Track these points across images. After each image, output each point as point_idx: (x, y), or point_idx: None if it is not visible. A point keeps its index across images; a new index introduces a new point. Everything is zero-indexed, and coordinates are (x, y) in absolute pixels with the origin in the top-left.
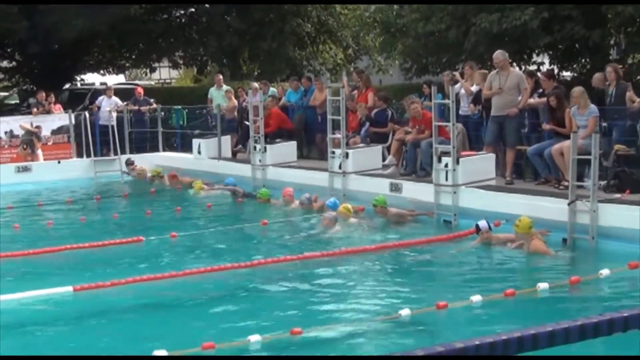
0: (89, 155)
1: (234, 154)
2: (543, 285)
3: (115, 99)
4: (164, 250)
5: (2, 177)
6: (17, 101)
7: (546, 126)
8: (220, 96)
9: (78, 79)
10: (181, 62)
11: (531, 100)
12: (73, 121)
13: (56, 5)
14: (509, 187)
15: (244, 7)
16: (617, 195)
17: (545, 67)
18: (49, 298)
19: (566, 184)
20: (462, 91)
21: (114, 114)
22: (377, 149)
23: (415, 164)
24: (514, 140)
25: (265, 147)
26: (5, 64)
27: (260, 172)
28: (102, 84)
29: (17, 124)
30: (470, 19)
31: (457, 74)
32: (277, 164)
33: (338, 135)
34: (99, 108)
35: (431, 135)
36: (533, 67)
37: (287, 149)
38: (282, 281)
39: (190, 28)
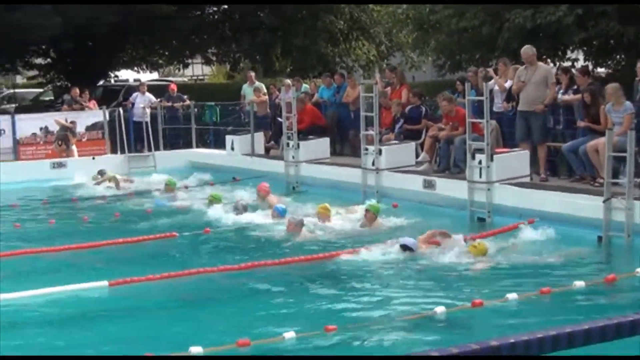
0: (122, 152)
1: (267, 150)
2: (579, 284)
3: (149, 95)
4: (198, 245)
5: (37, 173)
6: (52, 98)
7: (581, 123)
8: (252, 93)
9: (112, 75)
10: (214, 58)
11: (566, 97)
12: (107, 117)
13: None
14: (543, 184)
15: (276, 4)
16: None
17: (579, 64)
18: (85, 292)
19: (601, 181)
20: (496, 87)
21: (148, 111)
22: (411, 145)
23: (448, 161)
24: (540, 137)
25: (298, 144)
26: (40, 60)
27: (293, 168)
28: (135, 80)
29: (52, 120)
30: (503, 15)
31: (490, 70)
32: (310, 160)
33: (371, 132)
34: (133, 104)
35: (465, 132)
36: (567, 64)
37: (320, 145)
38: (317, 278)
39: (224, 25)
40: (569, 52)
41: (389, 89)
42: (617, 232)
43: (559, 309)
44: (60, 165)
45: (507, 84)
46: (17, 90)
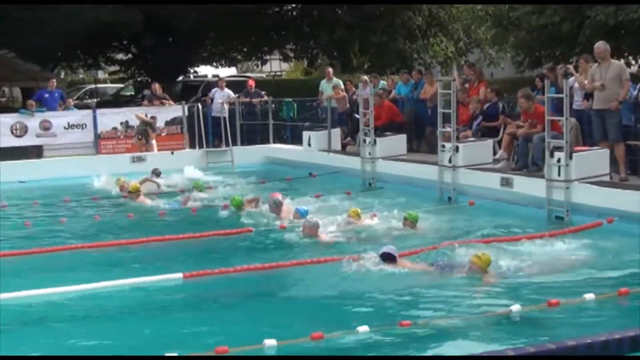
0: (201, 146)
1: (344, 146)
2: None
3: (227, 91)
4: (273, 240)
5: (118, 166)
6: (133, 93)
7: None
8: (330, 89)
9: (191, 71)
10: (292, 54)
11: None
12: (186, 113)
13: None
14: (623, 183)
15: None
16: None
17: None
18: (160, 284)
19: None
20: (576, 85)
21: (226, 106)
22: (488, 142)
23: (526, 159)
24: (616, 135)
25: (374, 140)
26: (121, 56)
27: (369, 165)
28: (214, 76)
29: (132, 114)
30: (584, 12)
31: (571, 67)
32: (387, 157)
33: (448, 129)
34: (212, 100)
35: (543, 129)
36: None
37: (397, 142)
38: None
39: (302, 21)
40: None
41: (467, 85)
42: None
43: (638, 310)
44: (140, 159)
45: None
46: (98, 85)
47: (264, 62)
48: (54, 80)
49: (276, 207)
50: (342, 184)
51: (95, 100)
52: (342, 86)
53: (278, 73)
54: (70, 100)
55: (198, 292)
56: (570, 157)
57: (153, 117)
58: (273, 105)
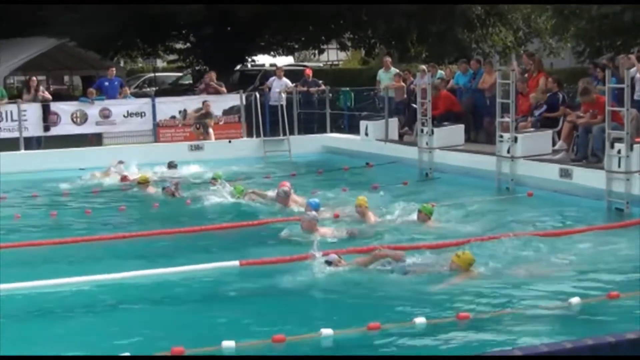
0: (258, 135)
1: (401, 136)
2: None
3: (285, 80)
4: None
5: (176, 154)
6: (191, 81)
7: None
8: (388, 78)
9: (249, 60)
10: (349, 44)
11: None
12: (244, 102)
13: None
14: None
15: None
16: None
17: None
18: (216, 271)
19: None
20: (638, 75)
21: (284, 95)
22: (547, 133)
23: (586, 150)
24: None
25: (432, 130)
26: (180, 45)
27: (426, 155)
28: (271, 65)
29: (191, 103)
30: None
31: (632, 57)
32: (444, 147)
33: (507, 119)
34: (269, 89)
35: (604, 120)
36: None
37: (455, 132)
38: None
39: (360, 10)
40: None
41: (526, 75)
42: None
43: None
44: (198, 147)
45: None
46: (157, 74)
47: (322, 52)
48: (114, 68)
49: (284, 197)
50: (399, 174)
51: (154, 88)
52: (400, 76)
53: (335, 62)
54: (127, 88)
55: (254, 279)
56: (631, 149)
57: (206, 103)
58: (330, 95)
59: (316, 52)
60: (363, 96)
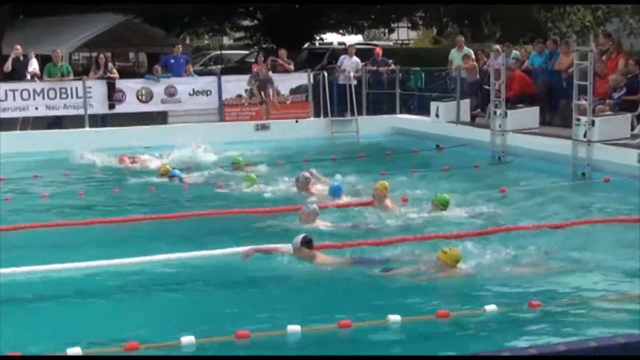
0: (325, 115)
1: (473, 118)
2: None
3: (356, 58)
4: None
5: (242, 134)
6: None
7: None
8: (460, 58)
9: (317, 38)
10: (421, 22)
11: None
12: (312, 81)
13: None
14: None
15: None
16: None
17: None
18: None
19: None
20: None
21: (353, 74)
22: (626, 117)
23: None
24: None
25: (505, 112)
26: (247, 22)
27: (499, 137)
28: (340, 43)
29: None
30: None
31: None
32: (518, 130)
33: (584, 102)
34: (341, 67)
35: None
36: None
37: (529, 114)
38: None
39: None
40: None
41: (604, 57)
42: None
43: None
44: (264, 127)
45: None
46: (223, 52)
47: (392, 30)
48: (180, 46)
49: (304, 183)
50: (470, 157)
51: (220, 66)
52: (473, 56)
53: (405, 41)
54: (190, 66)
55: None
56: None
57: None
58: (400, 75)
59: (386, 30)
60: (434, 76)
